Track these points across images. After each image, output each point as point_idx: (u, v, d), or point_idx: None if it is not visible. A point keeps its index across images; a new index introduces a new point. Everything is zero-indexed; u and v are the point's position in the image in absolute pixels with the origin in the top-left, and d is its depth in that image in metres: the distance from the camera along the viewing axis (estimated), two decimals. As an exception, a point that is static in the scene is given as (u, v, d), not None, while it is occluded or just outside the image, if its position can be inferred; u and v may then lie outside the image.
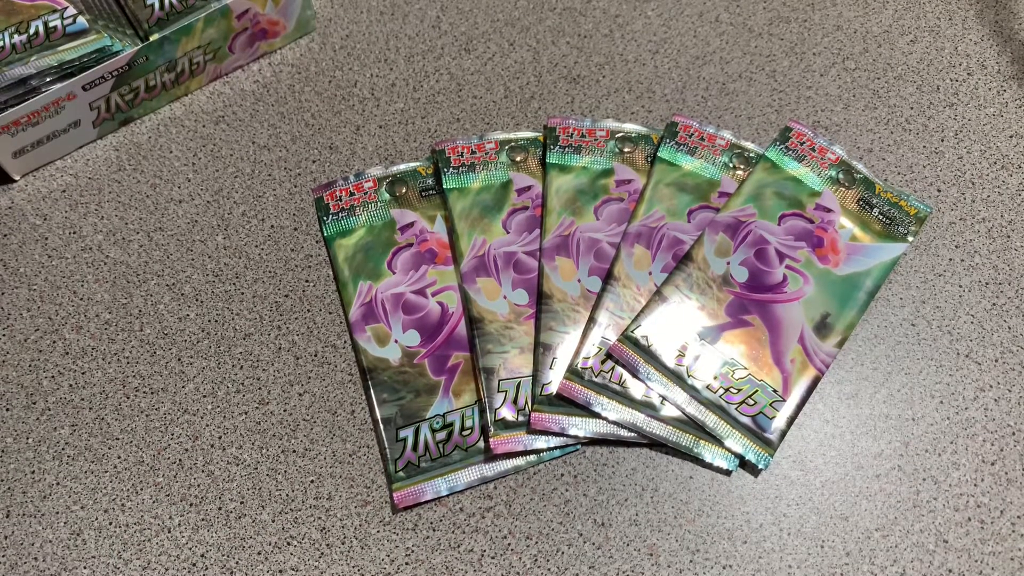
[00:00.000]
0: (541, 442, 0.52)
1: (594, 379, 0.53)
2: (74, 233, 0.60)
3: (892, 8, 0.70)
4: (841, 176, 0.61)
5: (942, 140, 0.63)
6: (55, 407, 0.54)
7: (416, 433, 0.52)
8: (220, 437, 0.53)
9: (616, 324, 0.55)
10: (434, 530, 0.50)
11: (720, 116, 0.64)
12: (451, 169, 0.61)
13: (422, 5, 0.70)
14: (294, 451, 0.53)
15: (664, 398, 0.52)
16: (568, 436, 0.52)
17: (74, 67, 0.59)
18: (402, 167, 0.62)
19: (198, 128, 0.65)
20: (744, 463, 0.52)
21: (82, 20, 0.60)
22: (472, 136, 0.63)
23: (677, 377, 0.53)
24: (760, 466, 0.51)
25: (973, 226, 0.60)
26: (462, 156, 0.61)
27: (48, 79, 0.59)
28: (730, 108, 0.65)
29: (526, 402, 0.53)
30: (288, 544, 0.50)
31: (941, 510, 0.51)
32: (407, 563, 0.49)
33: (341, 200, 0.60)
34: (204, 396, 0.55)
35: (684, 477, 0.52)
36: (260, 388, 0.55)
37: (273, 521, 0.51)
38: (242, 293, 0.58)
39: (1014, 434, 0.53)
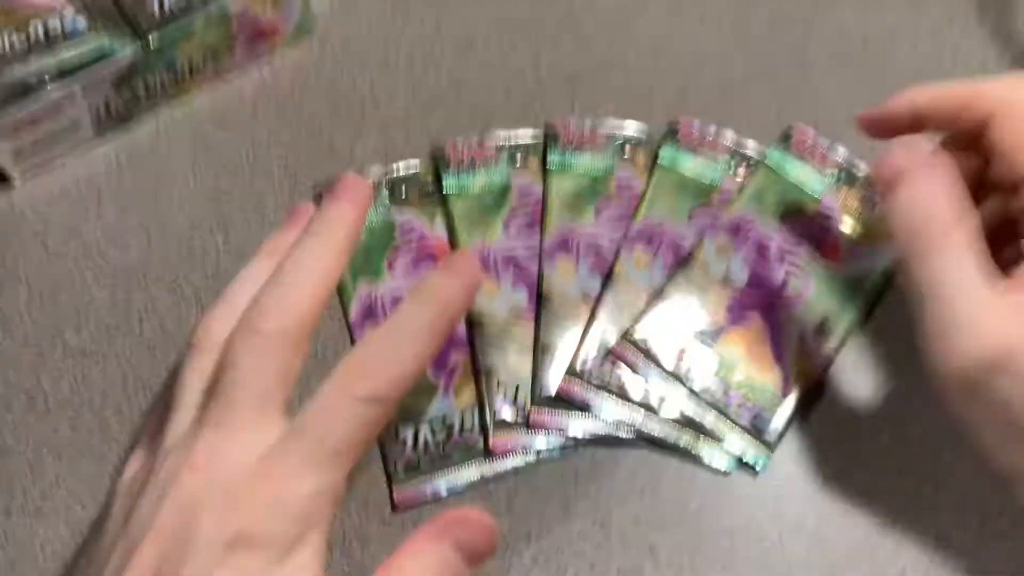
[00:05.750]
0: (541, 442, 0.52)
1: (594, 379, 0.53)
2: (74, 234, 0.60)
3: (893, 10, 0.70)
4: (843, 177, 0.61)
5: (942, 140, 0.63)
6: (55, 407, 0.54)
7: (416, 433, 0.52)
8: (220, 437, 0.53)
9: (616, 324, 0.55)
10: (434, 530, 0.50)
11: (721, 117, 0.64)
12: (451, 169, 0.61)
13: (422, 6, 0.70)
14: (294, 451, 0.53)
15: (664, 398, 0.52)
16: (568, 436, 0.52)
17: (74, 67, 0.59)
18: (402, 167, 0.62)
19: (198, 129, 0.65)
20: (743, 463, 0.52)
21: (82, 21, 0.60)
22: (472, 136, 0.63)
23: (677, 377, 0.53)
24: (759, 466, 0.51)
25: (973, 226, 0.59)
26: (462, 156, 0.61)
27: (48, 79, 0.59)
28: (731, 109, 0.65)
29: (526, 402, 0.53)
30: (288, 544, 0.50)
31: (941, 509, 0.51)
32: (407, 563, 0.49)
33: (341, 200, 0.60)
34: (204, 396, 0.54)
35: (684, 477, 0.52)
36: (260, 388, 0.55)
37: (273, 521, 0.51)
38: (242, 293, 0.58)
39: (1015, 434, 0.52)
